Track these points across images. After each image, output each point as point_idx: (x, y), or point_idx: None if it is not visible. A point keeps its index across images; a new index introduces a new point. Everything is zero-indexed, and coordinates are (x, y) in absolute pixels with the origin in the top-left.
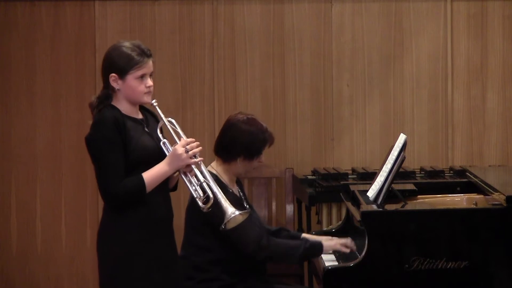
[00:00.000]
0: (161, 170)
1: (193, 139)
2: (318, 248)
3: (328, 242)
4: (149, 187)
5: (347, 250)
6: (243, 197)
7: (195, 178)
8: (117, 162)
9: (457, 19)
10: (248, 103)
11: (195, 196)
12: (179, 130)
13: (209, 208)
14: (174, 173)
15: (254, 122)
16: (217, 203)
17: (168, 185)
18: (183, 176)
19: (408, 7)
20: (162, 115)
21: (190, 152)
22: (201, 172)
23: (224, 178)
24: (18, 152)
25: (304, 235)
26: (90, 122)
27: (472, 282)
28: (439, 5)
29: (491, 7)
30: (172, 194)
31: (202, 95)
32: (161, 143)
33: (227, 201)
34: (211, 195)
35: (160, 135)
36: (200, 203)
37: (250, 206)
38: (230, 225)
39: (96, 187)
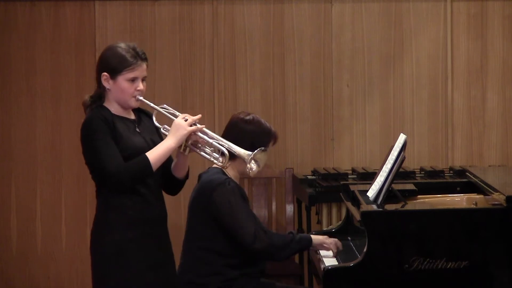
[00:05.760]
0: (165, 144)
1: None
2: (307, 241)
3: (317, 236)
4: (154, 162)
5: (334, 249)
6: None
7: (205, 146)
8: (112, 145)
9: (457, 19)
10: (248, 103)
11: (212, 160)
12: (174, 111)
13: (228, 162)
14: (184, 155)
15: (257, 121)
16: (232, 154)
17: (161, 186)
18: (194, 149)
19: (408, 7)
20: (153, 105)
21: (190, 120)
22: (207, 135)
23: (231, 174)
24: (18, 152)
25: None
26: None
27: (472, 282)
28: (439, 5)
29: (491, 7)
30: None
31: (202, 95)
32: (162, 129)
33: (242, 148)
34: (225, 151)
35: (157, 124)
36: (219, 164)
37: None
38: (256, 168)
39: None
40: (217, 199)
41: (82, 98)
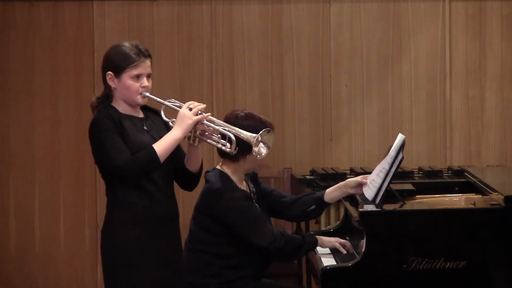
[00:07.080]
0: (171, 135)
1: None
2: (314, 244)
3: (327, 238)
4: (161, 154)
5: (343, 251)
6: (253, 195)
7: (213, 133)
8: (119, 140)
9: (455, 19)
10: (247, 103)
11: (221, 146)
12: (181, 104)
13: (236, 148)
14: (194, 147)
15: (252, 116)
16: (239, 138)
17: (171, 184)
18: (203, 138)
19: (406, 7)
20: (160, 99)
21: (194, 109)
22: (214, 122)
23: (234, 178)
24: (17, 152)
25: (328, 190)
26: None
27: (470, 282)
28: (437, 5)
29: (489, 7)
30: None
31: (200, 95)
32: (170, 123)
33: (248, 132)
34: (232, 136)
35: (166, 118)
36: (227, 149)
37: (261, 204)
38: (266, 151)
39: (95, 187)
40: (226, 209)
41: (80, 98)
